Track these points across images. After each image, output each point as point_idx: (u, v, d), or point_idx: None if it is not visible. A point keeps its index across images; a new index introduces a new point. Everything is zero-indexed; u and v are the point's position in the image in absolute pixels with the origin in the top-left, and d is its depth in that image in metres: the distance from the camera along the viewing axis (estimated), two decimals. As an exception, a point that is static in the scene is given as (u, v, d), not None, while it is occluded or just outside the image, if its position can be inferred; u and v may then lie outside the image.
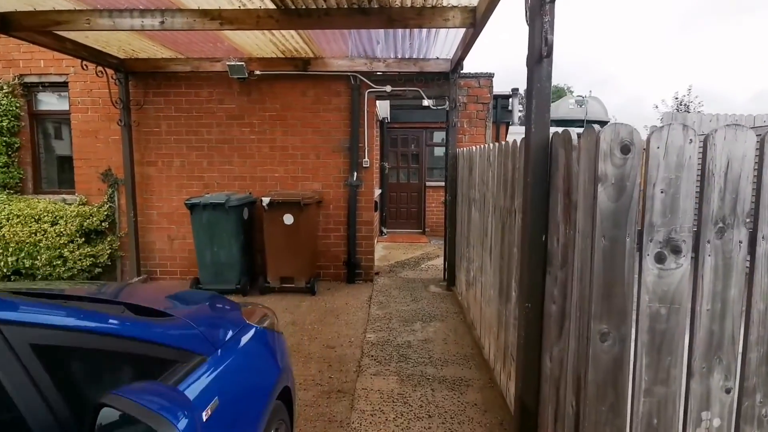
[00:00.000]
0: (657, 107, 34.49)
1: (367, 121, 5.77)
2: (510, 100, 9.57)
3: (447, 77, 5.53)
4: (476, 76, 5.74)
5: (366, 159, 5.82)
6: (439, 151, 10.45)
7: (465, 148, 4.76)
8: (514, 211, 2.80)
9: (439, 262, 7.26)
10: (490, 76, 5.71)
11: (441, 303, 5.11)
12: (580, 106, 11.24)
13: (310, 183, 5.91)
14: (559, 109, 11.35)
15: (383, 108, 9.13)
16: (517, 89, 10.01)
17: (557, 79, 38.19)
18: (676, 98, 28.33)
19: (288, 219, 5.14)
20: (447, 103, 5.55)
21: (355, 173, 5.78)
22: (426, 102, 5.55)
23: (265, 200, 5.06)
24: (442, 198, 10.21)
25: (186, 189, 5.94)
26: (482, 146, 3.94)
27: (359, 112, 5.73)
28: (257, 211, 5.53)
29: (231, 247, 5.25)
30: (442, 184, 10.25)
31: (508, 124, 9.54)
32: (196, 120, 5.86)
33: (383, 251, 8.17)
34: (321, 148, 5.86)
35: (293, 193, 5.37)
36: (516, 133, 9.27)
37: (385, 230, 10.00)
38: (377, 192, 8.45)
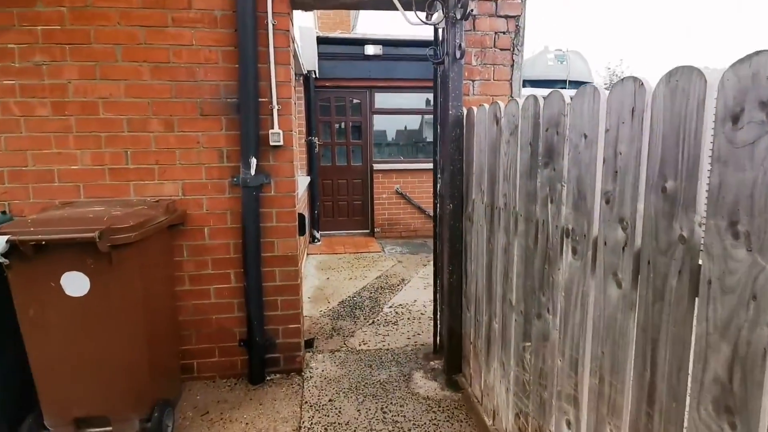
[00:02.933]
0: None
1: (273, 50, 2.73)
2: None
3: (441, -45, 2.63)
4: (494, -39, 2.88)
5: (276, 129, 2.80)
6: (388, 122, 7.58)
7: (520, 101, 1.96)
8: None
9: (412, 296, 4.50)
10: (520, -39, 2.87)
11: (453, 441, 2.36)
12: (561, 62, 8.87)
13: (154, 183, 2.78)
14: (536, 66, 8.92)
15: (307, 54, 6.01)
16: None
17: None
18: (609, 68, 28.20)
19: (72, 284, 2.03)
20: (442, 12, 2.68)
21: (254, 160, 2.75)
22: (399, 12, 2.62)
23: (-7, 244, 1.89)
24: (395, 186, 7.42)
25: None
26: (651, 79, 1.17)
27: (256, 30, 2.67)
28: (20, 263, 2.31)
29: (-75, 363, 2.04)
30: (398, 166, 7.40)
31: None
32: None
33: (317, 276, 5.23)
34: (176, 106, 2.73)
35: (83, 215, 2.20)
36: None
37: (318, 235, 7.03)
38: (302, 187, 5.49)
